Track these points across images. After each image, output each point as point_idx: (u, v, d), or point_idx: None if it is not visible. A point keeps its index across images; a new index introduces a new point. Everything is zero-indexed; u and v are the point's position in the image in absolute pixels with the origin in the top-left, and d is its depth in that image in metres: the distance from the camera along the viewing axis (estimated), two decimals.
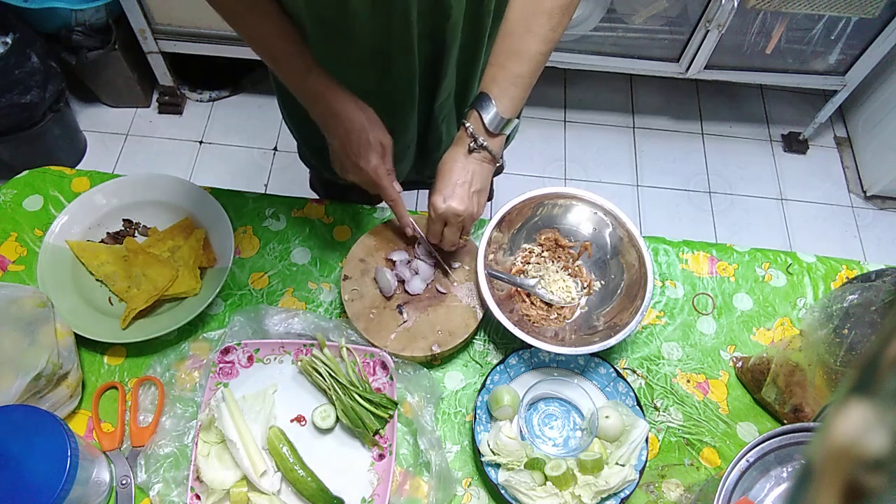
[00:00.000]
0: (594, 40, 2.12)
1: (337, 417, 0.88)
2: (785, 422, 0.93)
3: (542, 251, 1.04)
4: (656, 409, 0.95)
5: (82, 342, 0.93)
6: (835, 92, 2.23)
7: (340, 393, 0.87)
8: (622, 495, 0.85)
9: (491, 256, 0.99)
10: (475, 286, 0.96)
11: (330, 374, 0.89)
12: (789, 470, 0.73)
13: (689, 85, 2.56)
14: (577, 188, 1.02)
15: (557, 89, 2.52)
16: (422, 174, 1.18)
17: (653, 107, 2.51)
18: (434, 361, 0.97)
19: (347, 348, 0.91)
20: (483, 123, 0.85)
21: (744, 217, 2.29)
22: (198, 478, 0.83)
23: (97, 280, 0.99)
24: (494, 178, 1.21)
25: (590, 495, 0.82)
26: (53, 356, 0.84)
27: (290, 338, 0.94)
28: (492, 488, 0.87)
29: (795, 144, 2.45)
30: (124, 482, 0.85)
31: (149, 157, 2.25)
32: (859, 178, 2.39)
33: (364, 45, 0.84)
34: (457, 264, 0.99)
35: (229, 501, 0.82)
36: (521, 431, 0.89)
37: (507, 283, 1.00)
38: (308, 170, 1.29)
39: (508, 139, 0.96)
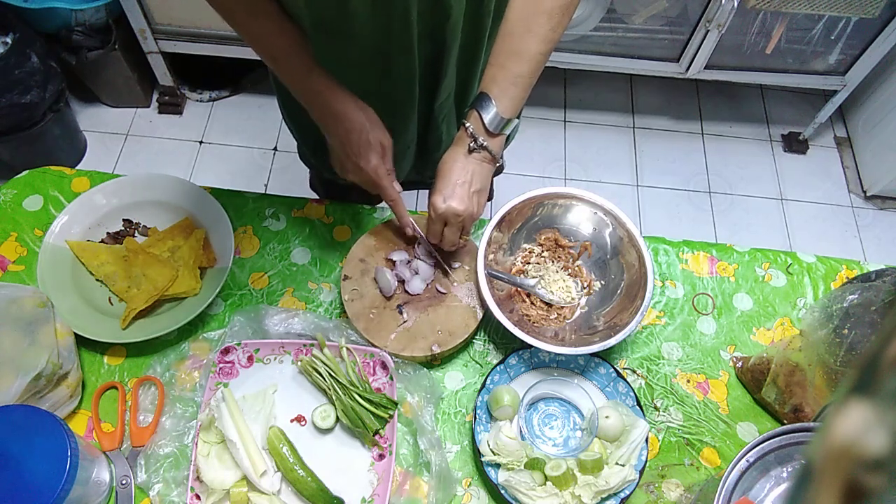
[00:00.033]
0: (594, 40, 2.12)
1: (337, 417, 0.88)
2: (785, 422, 0.93)
3: (542, 251, 1.04)
4: (656, 409, 0.95)
5: (82, 342, 0.93)
6: (835, 92, 2.23)
7: (340, 393, 0.87)
8: (622, 495, 0.85)
9: (491, 256, 0.99)
10: (475, 286, 0.96)
11: (330, 374, 0.89)
12: (789, 470, 0.73)
13: (689, 85, 2.56)
14: (577, 188, 1.02)
15: (557, 89, 2.52)
16: (422, 174, 1.18)
17: (653, 107, 2.51)
18: (434, 361, 0.97)
19: (347, 348, 0.91)
20: (483, 123, 0.85)
21: (744, 217, 2.29)
22: (198, 478, 0.83)
23: (97, 280, 0.99)
24: (494, 178, 1.21)
25: (590, 495, 0.82)
26: (53, 356, 0.84)
27: (290, 338, 0.94)
28: (492, 488, 0.87)
29: (795, 144, 2.45)
30: (124, 482, 0.85)
31: (149, 157, 2.25)
32: (859, 178, 2.39)
33: (364, 45, 0.84)
34: (457, 264, 0.99)
35: (229, 501, 0.82)
36: (521, 431, 0.89)
37: (507, 283, 1.00)
38: (308, 170, 1.29)
39: (508, 139, 0.96)
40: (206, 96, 2.37)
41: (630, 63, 2.16)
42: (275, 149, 2.31)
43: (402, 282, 0.97)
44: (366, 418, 0.86)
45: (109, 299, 0.98)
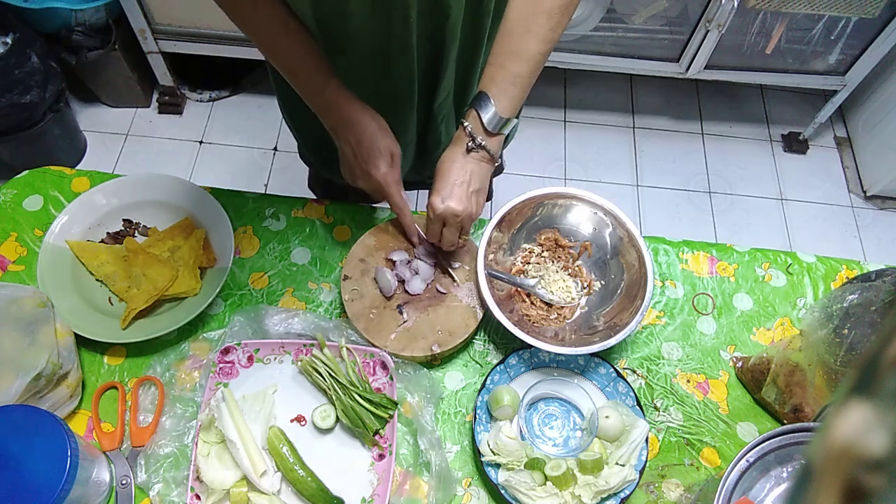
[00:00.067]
0: (594, 40, 2.12)
1: (337, 417, 0.88)
2: (785, 422, 0.93)
3: (542, 251, 1.04)
4: (656, 409, 0.95)
5: (82, 342, 0.93)
6: (835, 92, 2.23)
7: (340, 393, 0.87)
8: (622, 495, 0.85)
9: (491, 256, 0.99)
10: (475, 286, 0.96)
11: (330, 374, 0.89)
12: (789, 470, 0.73)
13: (689, 85, 2.56)
14: (577, 188, 1.02)
15: (557, 89, 2.52)
16: (421, 174, 1.18)
17: (653, 107, 2.51)
18: (434, 361, 0.97)
19: (347, 348, 0.91)
20: (482, 123, 0.85)
21: (744, 217, 2.29)
22: (198, 478, 0.83)
23: (97, 280, 0.99)
24: (494, 178, 1.21)
25: (590, 495, 0.82)
26: (53, 356, 0.84)
27: (290, 338, 0.94)
28: (492, 488, 0.87)
29: (795, 144, 2.45)
30: (124, 482, 0.85)
31: (149, 157, 2.25)
32: (859, 178, 2.39)
33: (363, 45, 0.84)
34: (457, 264, 0.99)
35: (229, 501, 0.82)
36: (521, 431, 0.89)
37: (507, 283, 1.00)
38: (308, 168, 1.29)
39: (507, 139, 0.96)
40: (206, 96, 2.37)
41: (630, 63, 2.16)
42: (275, 149, 2.31)
43: (402, 282, 0.97)
44: (366, 418, 0.86)
45: (109, 299, 0.98)
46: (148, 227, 1.05)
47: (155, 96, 2.35)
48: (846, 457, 0.24)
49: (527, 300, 1.01)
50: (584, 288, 1.02)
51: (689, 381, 0.98)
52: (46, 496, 0.71)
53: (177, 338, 0.96)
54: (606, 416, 0.88)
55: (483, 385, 0.91)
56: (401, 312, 0.95)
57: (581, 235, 1.03)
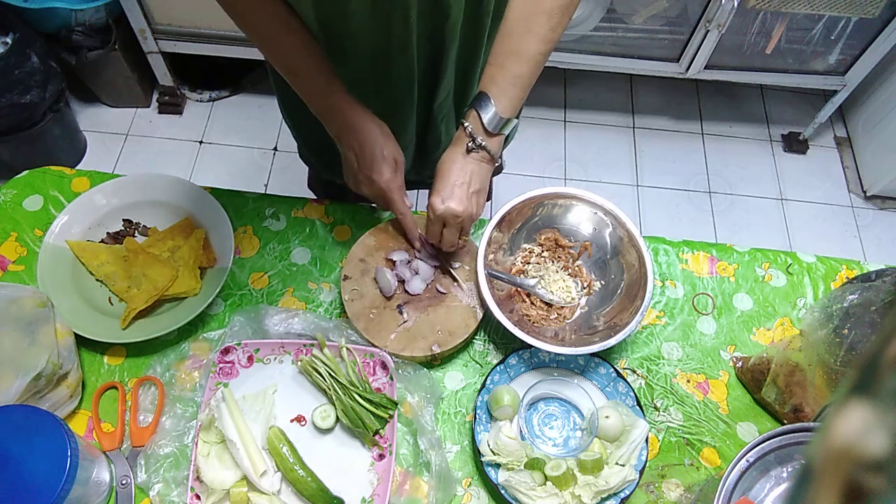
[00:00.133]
0: (594, 40, 2.12)
1: (337, 417, 0.88)
2: (785, 422, 0.93)
3: (542, 251, 1.04)
4: (656, 409, 0.95)
5: (82, 342, 0.93)
6: (835, 92, 2.23)
7: (340, 393, 0.87)
8: (622, 495, 0.85)
9: (491, 256, 0.99)
10: (475, 286, 0.96)
11: (330, 374, 0.89)
12: (789, 470, 0.73)
13: (689, 85, 2.56)
14: (577, 188, 1.02)
15: (557, 89, 2.52)
16: (421, 174, 1.18)
17: (653, 107, 2.51)
18: (434, 361, 0.97)
19: (347, 348, 0.91)
20: (482, 123, 0.85)
21: (744, 217, 2.29)
22: (198, 478, 0.83)
23: (97, 280, 0.99)
24: (494, 178, 1.21)
25: (590, 495, 0.82)
26: (53, 356, 0.84)
27: (290, 338, 0.94)
28: (492, 488, 0.87)
29: (795, 144, 2.45)
30: (124, 482, 0.85)
31: (149, 157, 2.25)
32: (859, 178, 2.39)
33: (363, 45, 0.84)
34: (457, 264, 0.99)
35: (229, 501, 0.82)
36: (521, 431, 0.89)
37: (507, 283, 1.00)
38: (307, 168, 1.29)
39: (507, 139, 0.96)
40: (206, 96, 2.37)
41: (630, 63, 2.16)
42: (275, 149, 2.31)
43: (402, 282, 0.97)
44: (366, 418, 0.86)
45: (109, 299, 0.98)
46: (148, 227, 1.05)
47: (155, 96, 2.35)
48: (846, 457, 0.24)
49: (527, 300, 1.01)
50: (584, 288, 1.02)
51: (689, 381, 0.98)
52: (46, 496, 0.71)
53: (177, 338, 0.96)
54: (606, 416, 0.88)
55: (483, 385, 0.91)
56: (401, 312, 0.95)
57: (581, 235, 1.03)
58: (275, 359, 0.93)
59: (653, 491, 0.89)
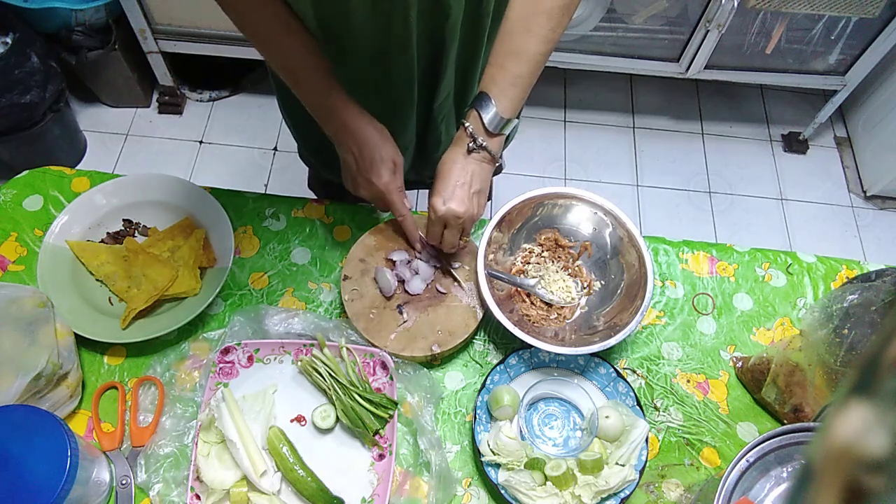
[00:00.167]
0: (594, 40, 2.12)
1: (337, 417, 0.88)
2: (785, 422, 0.93)
3: (542, 251, 1.04)
4: (656, 409, 0.95)
5: (82, 342, 0.93)
6: (835, 92, 2.23)
7: (340, 393, 0.87)
8: (622, 495, 0.85)
9: (491, 256, 0.99)
10: (475, 286, 0.96)
11: (330, 374, 0.89)
12: (789, 470, 0.73)
13: (689, 85, 2.56)
14: (577, 188, 1.02)
15: (557, 89, 2.52)
16: (421, 174, 1.18)
17: (653, 107, 2.51)
18: (434, 361, 0.97)
19: (347, 348, 0.91)
20: (482, 123, 0.85)
21: (744, 217, 2.29)
22: (198, 478, 0.83)
23: (97, 280, 0.99)
24: (494, 178, 1.21)
25: (590, 495, 0.82)
26: (53, 356, 0.84)
27: (290, 338, 0.94)
28: (492, 488, 0.87)
29: (795, 144, 2.45)
30: (124, 482, 0.85)
31: (149, 157, 2.25)
32: (859, 178, 2.39)
33: (363, 45, 0.84)
34: (457, 264, 0.99)
35: (229, 501, 0.82)
36: (521, 431, 0.89)
37: (507, 283, 1.00)
38: (307, 169, 1.29)
39: (508, 139, 0.96)
40: (206, 96, 2.37)
41: (630, 63, 2.16)
42: (275, 149, 2.31)
43: (402, 282, 0.97)
44: (366, 418, 0.86)
45: (109, 299, 0.98)
46: (148, 227, 1.05)
47: (155, 96, 2.35)
48: (846, 457, 0.24)
49: (527, 300, 1.01)
50: (584, 288, 1.02)
51: (689, 381, 0.98)
52: (46, 496, 0.71)
53: (177, 338, 0.96)
54: (606, 416, 0.88)
55: (483, 385, 0.91)
56: (401, 312, 0.95)
57: (581, 235, 1.03)
58: (275, 359, 0.94)
59: (653, 491, 0.89)
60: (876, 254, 2.24)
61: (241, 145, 2.31)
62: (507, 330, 0.90)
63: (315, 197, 1.19)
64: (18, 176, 1.09)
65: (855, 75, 2.16)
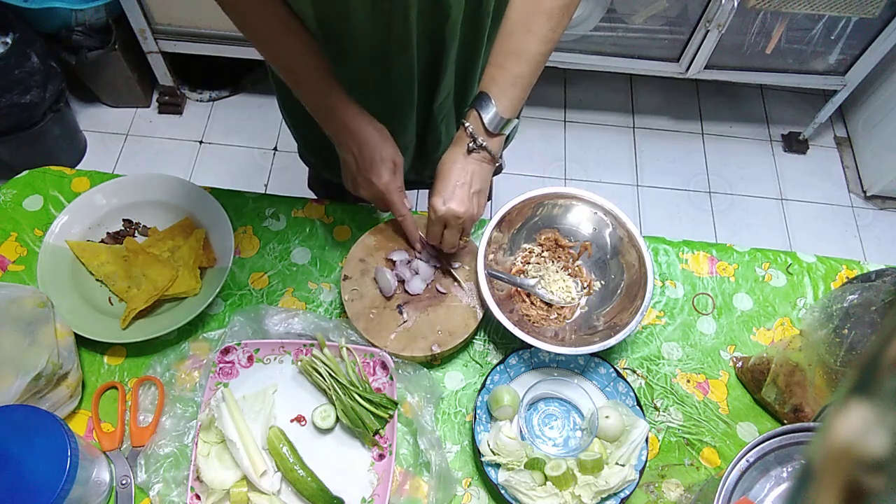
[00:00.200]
0: (594, 40, 2.12)
1: (337, 417, 0.88)
2: (785, 422, 0.93)
3: (542, 251, 1.04)
4: (656, 409, 0.95)
5: (82, 342, 0.93)
6: (835, 92, 2.23)
7: (340, 393, 0.87)
8: (622, 495, 0.85)
9: (491, 256, 0.99)
10: (475, 286, 0.96)
11: (330, 374, 0.89)
12: (789, 470, 0.73)
13: (689, 85, 2.56)
14: (577, 188, 1.02)
15: (557, 89, 2.52)
16: (421, 174, 1.18)
17: (653, 107, 2.51)
18: (434, 361, 0.97)
19: (347, 348, 0.91)
20: (483, 123, 0.85)
21: (744, 217, 2.29)
22: (198, 478, 0.83)
23: (97, 280, 0.99)
24: (494, 178, 1.21)
25: (590, 495, 0.82)
26: (53, 356, 0.84)
27: (290, 338, 0.94)
28: (492, 488, 0.87)
29: (795, 144, 2.45)
30: (124, 482, 0.85)
31: (149, 157, 2.25)
32: (859, 178, 2.39)
33: (363, 45, 0.84)
34: (457, 264, 0.99)
35: (229, 501, 0.82)
36: (521, 431, 0.89)
37: (507, 283, 1.00)
38: (307, 169, 1.29)
39: (508, 139, 0.96)
40: (206, 96, 2.37)
41: (630, 63, 2.16)
42: (275, 149, 2.31)
43: (402, 282, 0.97)
44: (366, 418, 0.86)
45: (109, 299, 0.98)
46: (148, 227, 1.05)
47: (155, 96, 2.35)
48: (846, 457, 0.24)
49: (527, 300, 1.01)
50: (584, 288, 1.02)
51: (689, 381, 0.98)
52: (46, 496, 0.71)
53: (177, 338, 0.96)
54: (606, 416, 0.88)
55: (483, 385, 0.91)
56: (401, 312, 0.95)
57: (581, 235, 1.03)
58: (275, 359, 0.94)
59: (653, 491, 0.89)
60: (876, 254, 2.24)
61: (241, 145, 2.31)
62: (507, 330, 0.90)
63: (315, 197, 1.19)
64: (18, 176, 1.09)
65: (855, 75, 2.16)
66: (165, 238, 1.02)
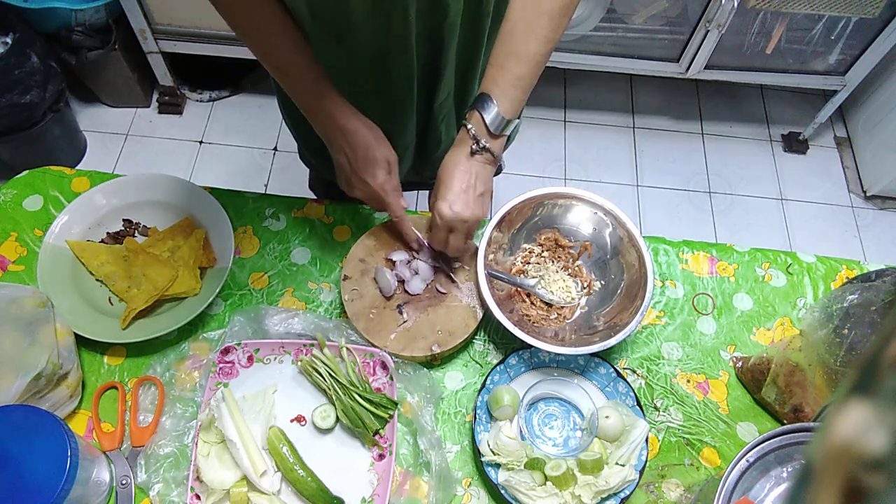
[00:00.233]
0: (594, 40, 2.12)
1: (337, 417, 0.88)
2: (785, 422, 0.93)
3: (542, 251, 1.04)
4: (656, 409, 0.95)
5: (82, 342, 0.93)
6: (835, 92, 2.23)
7: (340, 393, 0.87)
8: (622, 495, 0.85)
9: (491, 256, 0.99)
10: (475, 286, 0.96)
11: (330, 374, 0.89)
12: (789, 470, 0.73)
13: (689, 85, 2.56)
14: (577, 188, 1.02)
15: (557, 89, 2.52)
16: (421, 175, 1.18)
17: (653, 107, 2.51)
18: (434, 361, 0.97)
19: (347, 348, 0.91)
20: (485, 124, 0.85)
21: (744, 217, 2.29)
22: (198, 478, 0.83)
23: (97, 280, 0.99)
24: (494, 179, 1.21)
25: (590, 495, 0.82)
26: (53, 356, 0.84)
27: (290, 338, 0.94)
28: (492, 488, 0.87)
29: (795, 144, 2.45)
30: (124, 482, 0.85)
31: (149, 157, 2.25)
32: (859, 178, 2.39)
33: (363, 44, 0.84)
34: (457, 264, 0.99)
35: (229, 501, 0.82)
36: (521, 431, 0.89)
37: (507, 283, 1.00)
38: (308, 170, 1.29)
39: (509, 140, 0.96)
40: (206, 96, 2.37)
41: (630, 63, 2.16)
42: (275, 149, 2.31)
43: (402, 282, 0.97)
44: (366, 418, 0.86)
45: (109, 299, 0.98)
46: (148, 227, 1.05)
47: (155, 96, 2.35)
48: (846, 456, 0.24)
49: (527, 300, 1.01)
50: (584, 288, 1.02)
51: (689, 381, 0.98)
52: (46, 496, 0.71)
53: (177, 338, 0.96)
54: (606, 416, 0.88)
55: (483, 385, 0.91)
56: (401, 312, 0.95)
57: (581, 235, 1.03)
58: (275, 359, 0.94)
59: (653, 491, 0.89)
60: (876, 254, 2.24)
61: (241, 145, 2.31)
62: (507, 330, 0.90)
63: (315, 197, 1.19)
64: (18, 176, 1.09)
65: (855, 75, 2.16)
66: (165, 238, 1.02)
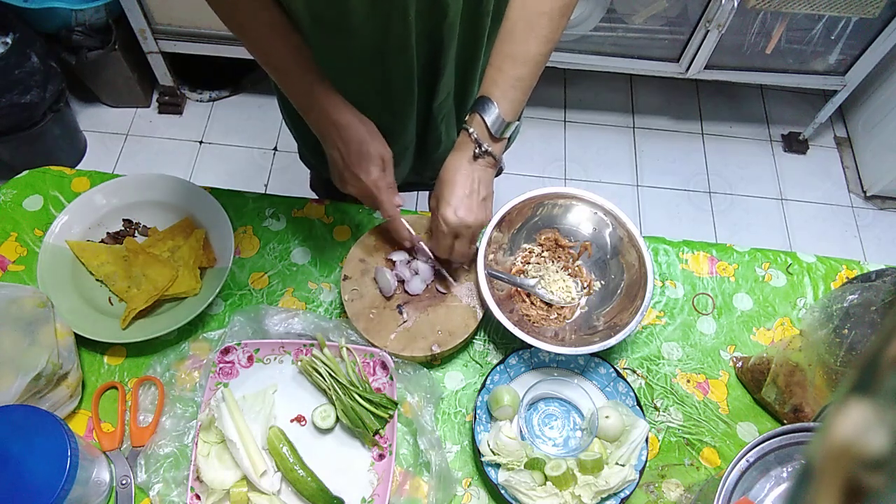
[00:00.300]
0: (594, 40, 2.12)
1: (337, 417, 0.88)
2: (785, 422, 0.93)
3: (542, 251, 1.04)
4: (656, 409, 0.95)
5: (82, 342, 0.93)
6: (835, 92, 2.23)
7: (340, 393, 0.87)
8: (622, 495, 0.85)
9: (491, 256, 0.99)
10: (475, 286, 0.96)
11: (330, 374, 0.89)
12: (789, 470, 0.73)
13: (689, 85, 2.56)
14: (577, 188, 1.02)
15: (557, 89, 2.52)
16: (421, 175, 1.18)
17: (653, 107, 2.51)
18: (434, 361, 0.97)
19: (347, 348, 0.91)
20: (486, 127, 0.84)
21: (744, 217, 2.29)
22: (198, 478, 0.83)
23: (97, 280, 0.99)
24: (494, 179, 1.21)
25: (590, 495, 0.82)
26: (53, 356, 0.84)
27: (290, 338, 0.94)
28: (492, 488, 0.87)
29: (795, 144, 2.45)
30: (124, 482, 0.85)
31: (149, 157, 2.25)
32: (859, 178, 2.39)
33: (362, 44, 0.84)
34: (456, 264, 0.99)
35: (229, 501, 0.82)
36: (521, 431, 0.89)
37: (507, 283, 1.00)
38: (308, 170, 1.29)
39: (509, 142, 0.96)
40: (206, 96, 2.37)
41: (630, 63, 2.16)
42: (275, 149, 2.31)
43: (401, 282, 0.97)
44: (366, 418, 0.86)
45: (109, 299, 0.98)
46: (148, 227, 1.05)
47: (155, 96, 2.35)
48: (846, 456, 0.24)
49: (527, 300, 1.01)
50: (584, 288, 1.02)
51: (689, 381, 0.98)
52: (46, 496, 0.71)
53: (177, 338, 0.96)
54: (606, 416, 0.88)
55: (483, 385, 0.91)
56: (401, 312, 0.95)
57: (581, 235, 1.03)
58: (275, 359, 0.94)
59: (653, 491, 0.89)
60: (876, 254, 2.24)
61: (241, 145, 2.31)
62: (507, 330, 0.90)
63: (316, 197, 1.19)
64: (18, 176, 1.09)
65: (855, 75, 2.16)
66: (165, 238, 1.02)
